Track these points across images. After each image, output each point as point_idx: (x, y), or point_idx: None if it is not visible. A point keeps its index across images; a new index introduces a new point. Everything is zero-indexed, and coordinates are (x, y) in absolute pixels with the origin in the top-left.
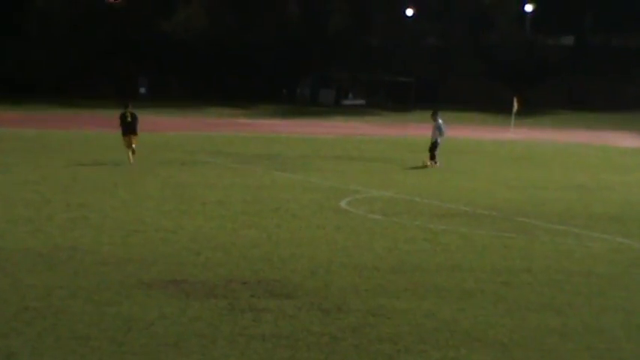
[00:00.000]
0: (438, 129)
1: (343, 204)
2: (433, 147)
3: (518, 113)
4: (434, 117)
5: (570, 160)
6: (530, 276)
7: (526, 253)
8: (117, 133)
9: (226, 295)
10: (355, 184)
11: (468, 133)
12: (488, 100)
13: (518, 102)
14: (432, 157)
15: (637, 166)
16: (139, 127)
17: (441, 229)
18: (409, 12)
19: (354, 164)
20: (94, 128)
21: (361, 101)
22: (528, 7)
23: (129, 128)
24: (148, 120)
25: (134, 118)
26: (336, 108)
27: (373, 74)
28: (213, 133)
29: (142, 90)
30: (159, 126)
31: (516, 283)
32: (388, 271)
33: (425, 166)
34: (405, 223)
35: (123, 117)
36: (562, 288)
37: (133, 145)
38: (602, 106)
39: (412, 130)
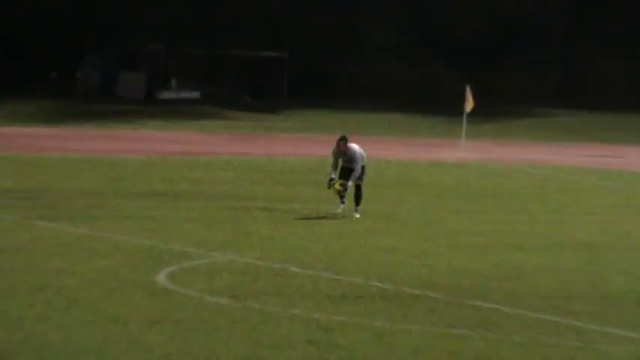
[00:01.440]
0: (361, 160)
1: (162, 278)
2: (358, 190)
3: (474, 115)
4: (342, 144)
5: (566, 197)
6: None
7: None
8: None
9: None
10: (184, 242)
11: (384, 151)
12: (419, 93)
13: (474, 96)
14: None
15: None
16: None
17: (338, 323)
18: None
19: (181, 206)
20: None
21: (193, 93)
22: None
23: None
24: None
25: None
26: (148, 105)
27: (214, 46)
28: None
29: None
30: None
31: None
32: None
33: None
34: (273, 311)
35: None
36: None
37: None
38: (622, 99)
39: (285, 147)
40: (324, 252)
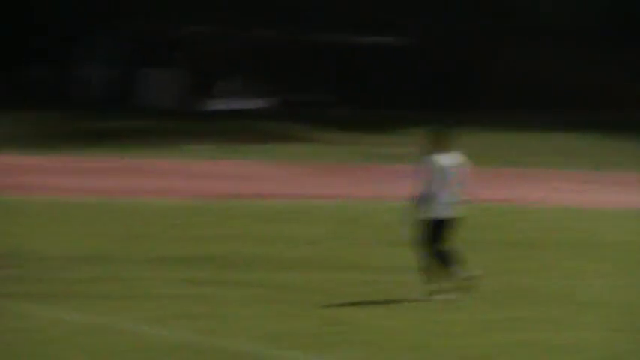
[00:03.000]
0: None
1: None
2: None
3: None
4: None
5: None
6: None
7: None
8: None
9: None
10: (245, 336)
11: (556, 193)
12: (610, 100)
13: None
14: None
15: None
16: None
17: None
18: None
19: (242, 278)
20: None
21: (258, 102)
22: None
23: None
24: None
25: None
26: (185, 121)
27: (291, 29)
28: None
29: None
30: None
31: None
32: None
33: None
34: None
35: None
36: None
37: None
38: None
39: (404, 186)
40: (464, 352)
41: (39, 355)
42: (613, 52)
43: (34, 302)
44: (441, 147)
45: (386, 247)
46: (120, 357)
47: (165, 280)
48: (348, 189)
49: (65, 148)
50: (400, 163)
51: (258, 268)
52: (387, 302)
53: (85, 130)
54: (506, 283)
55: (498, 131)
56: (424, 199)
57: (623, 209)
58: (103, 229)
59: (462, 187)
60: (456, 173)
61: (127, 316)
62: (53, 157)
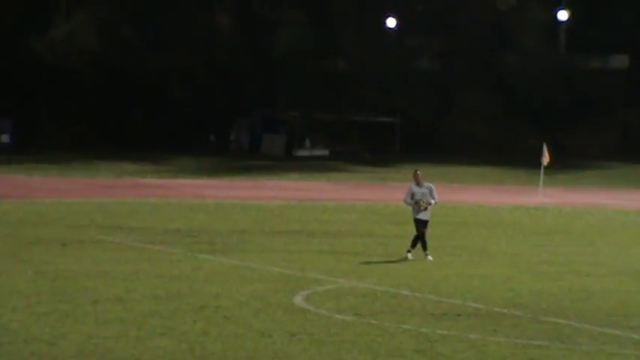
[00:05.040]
0: (431, 195)
1: (299, 300)
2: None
3: (550, 167)
4: (417, 178)
5: (626, 234)
6: None
7: None
8: None
9: None
10: (316, 271)
11: (477, 197)
12: (505, 149)
13: (549, 152)
14: (415, 245)
15: None
16: None
17: (440, 336)
18: (391, 22)
19: (313, 242)
20: None
21: (323, 151)
22: (562, 15)
23: None
24: (13, 180)
25: None
26: (286, 161)
27: (340, 113)
28: (108, 200)
29: (5, 138)
30: (29, 189)
31: None
32: None
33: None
34: (388, 326)
35: None
36: None
37: None
38: None
39: (397, 194)
40: (430, 278)
41: (209, 282)
42: (504, 121)
43: (209, 254)
44: (416, 180)
45: (390, 225)
46: (250, 282)
47: (276, 242)
48: (368, 195)
49: (225, 175)
50: (398, 182)
51: (323, 236)
52: (392, 253)
53: (236, 166)
54: (450, 243)
55: (453, 166)
56: (413, 207)
57: (509, 204)
58: (245, 217)
59: (429, 202)
60: (425, 194)
61: (256, 261)
62: (218, 180)
